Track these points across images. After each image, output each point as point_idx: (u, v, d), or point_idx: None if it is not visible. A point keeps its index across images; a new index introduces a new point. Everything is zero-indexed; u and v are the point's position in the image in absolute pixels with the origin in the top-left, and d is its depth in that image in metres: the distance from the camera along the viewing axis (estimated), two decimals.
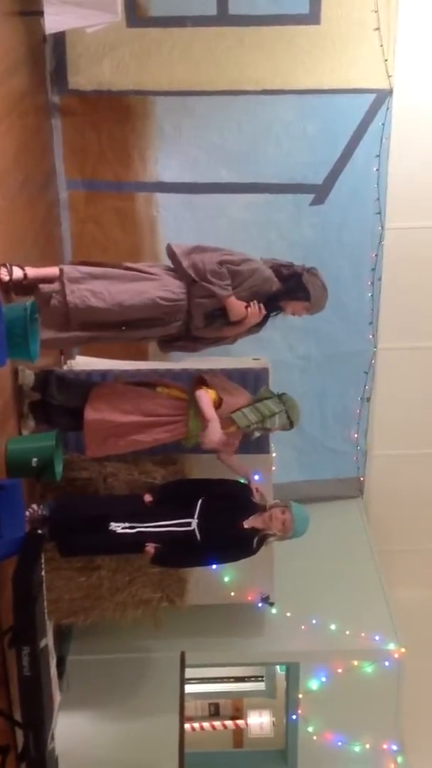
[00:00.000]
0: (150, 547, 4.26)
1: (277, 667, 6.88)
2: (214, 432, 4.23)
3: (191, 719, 7.24)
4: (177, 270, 4.33)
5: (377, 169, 6.11)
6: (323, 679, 5.76)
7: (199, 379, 4.44)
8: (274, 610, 5.68)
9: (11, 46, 4.74)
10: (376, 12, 5.69)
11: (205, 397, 4.29)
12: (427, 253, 6.48)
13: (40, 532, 3.97)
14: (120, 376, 4.86)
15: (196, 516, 4.24)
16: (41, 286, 4.17)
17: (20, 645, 3.46)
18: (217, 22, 5.73)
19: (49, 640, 4.04)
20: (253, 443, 4.70)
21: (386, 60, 5.81)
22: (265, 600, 5.47)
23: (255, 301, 4.29)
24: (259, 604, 5.53)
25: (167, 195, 6.15)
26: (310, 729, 5.81)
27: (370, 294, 6.49)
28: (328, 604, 5.83)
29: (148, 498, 4.39)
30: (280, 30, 5.75)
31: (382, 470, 7.12)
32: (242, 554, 4.43)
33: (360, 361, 6.73)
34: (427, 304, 6.65)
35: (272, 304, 4.39)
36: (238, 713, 7.54)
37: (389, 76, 5.86)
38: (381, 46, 5.77)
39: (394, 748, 5.80)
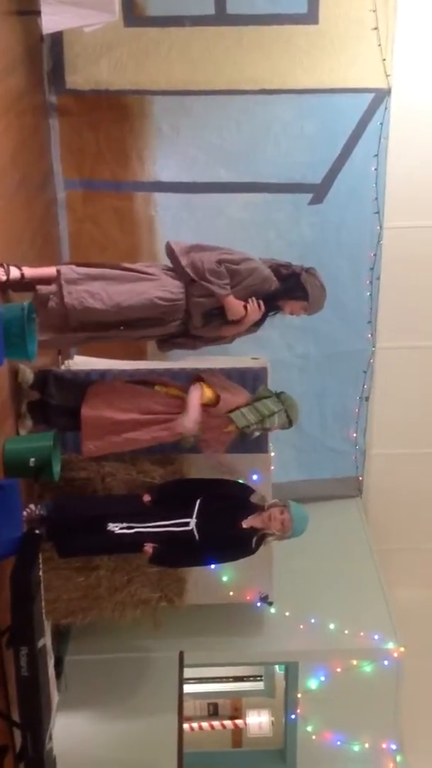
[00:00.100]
0: (148, 547, 4.26)
1: (276, 666, 6.88)
2: (189, 419, 4.23)
3: (190, 719, 7.24)
4: (175, 268, 4.32)
5: (376, 169, 6.11)
6: (322, 679, 5.75)
7: (198, 378, 4.44)
8: (272, 610, 5.67)
9: (8, 46, 4.74)
10: (374, 11, 5.69)
11: (196, 391, 4.30)
12: (426, 252, 6.49)
13: (37, 532, 3.96)
14: (118, 376, 4.86)
15: (194, 516, 4.24)
16: (39, 287, 4.16)
17: (18, 645, 3.46)
18: (215, 22, 5.73)
19: (47, 640, 4.04)
20: (252, 443, 4.70)
21: (384, 59, 5.81)
22: (264, 599, 5.47)
23: (253, 298, 4.29)
24: (258, 604, 5.52)
25: (165, 194, 6.15)
26: (309, 728, 5.81)
27: (368, 293, 6.49)
28: (327, 603, 5.82)
29: (147, 498, 4.39)
30: (278, 29, 5.75)
31: (381, 469, 7.12)
32: (241, 554, 4.42)
33: (359, 360, 6.73)
34: (425, 303, 6.65)
35: (271, 303, 4.39)
36: (237, 713, 7.55)
37: (387, 76, 5.86)
38: (379, 45, 5.76)
39: (393, 747, 5.80)
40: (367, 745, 5.77)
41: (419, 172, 6.22)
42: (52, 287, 4.16)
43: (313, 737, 5.80)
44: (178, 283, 4.27)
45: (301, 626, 5.73)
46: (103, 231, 6.17)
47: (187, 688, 6.24)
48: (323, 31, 5.75)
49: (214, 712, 7.57)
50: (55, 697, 4.87)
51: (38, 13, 4.90)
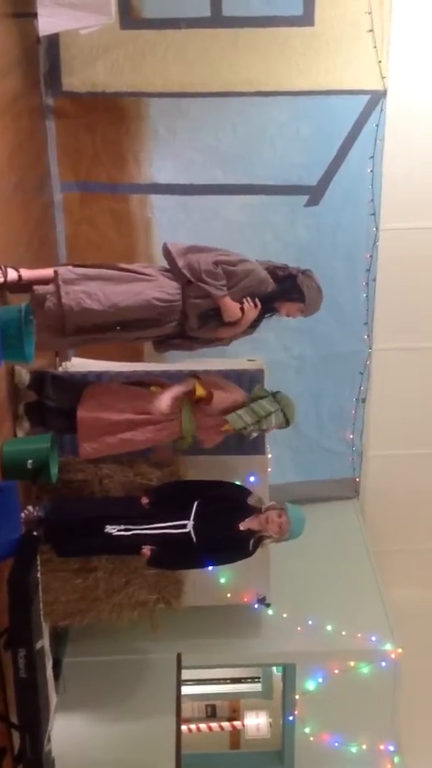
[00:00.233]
0: (146, 549, 4.26)
1: (274, 668, 6.87)
2: (163, 400, 4.26)
3: (188, 721, 7.22)
4: (172, 269, 4.32)
5: (371, 171, 6.13)
6: (320, 680, 5.75)
7: (193, 376, 4.45)
8: (270, 612, 5.68)
9: (5, 48, 4.75)
10: (369, 14, 5.71)
11: (186, 382, 4.33)
12: (422, 253, 6.51)
13: (35, 533, 3.97)
14: (115, 378, 4.86)
15: (191, 518, 4.24)
16: (36, 287, 4.16)
17: (16, 647, 3.46)
18: (211, 24, 5.74)
19: (45, 642, 4.03)
20: (249, 444, 4.70)
21: (380, 61, 5.82)
22: (262, 601, 5.46)
23: (248, 297, 4.28)
24: (256, 606, 5.52)
25: (162, 196, 6.16)
26: (306, 730, 5.81)
27: (364, 295, 6.50)
28: (324, 604, 5.83)
29: (145, 500, 4.39)
30: (274, 31, 5.76)
31: (378, 471, 7.13)
32: (238, 556, 4.42)
33: (355, 361, 6.74)
34: (421, 304, 6.67)
35: (267, 305, 4.39)
36: (234, 714, 7.53)
37: (383, 78, 5.87)
38: (375, 47, 5.78)
39: (391, 748, 5.81)
40: (364, 747, 5.78)
41: (415, 173, 6.23)
42: (50, 287, 4.16)
43: (311, 739, 5.80)
44: (174, 284, 4.27)
45: (299, 628, 5.73)
46: (99, 233, 6.18)
47: (185, 690, 6.24)
48: (319, 33, 5.77)
49: (211, 713, 7.55)
50: (54, 699, 4.86)
51: (35, 15, 4.89)
